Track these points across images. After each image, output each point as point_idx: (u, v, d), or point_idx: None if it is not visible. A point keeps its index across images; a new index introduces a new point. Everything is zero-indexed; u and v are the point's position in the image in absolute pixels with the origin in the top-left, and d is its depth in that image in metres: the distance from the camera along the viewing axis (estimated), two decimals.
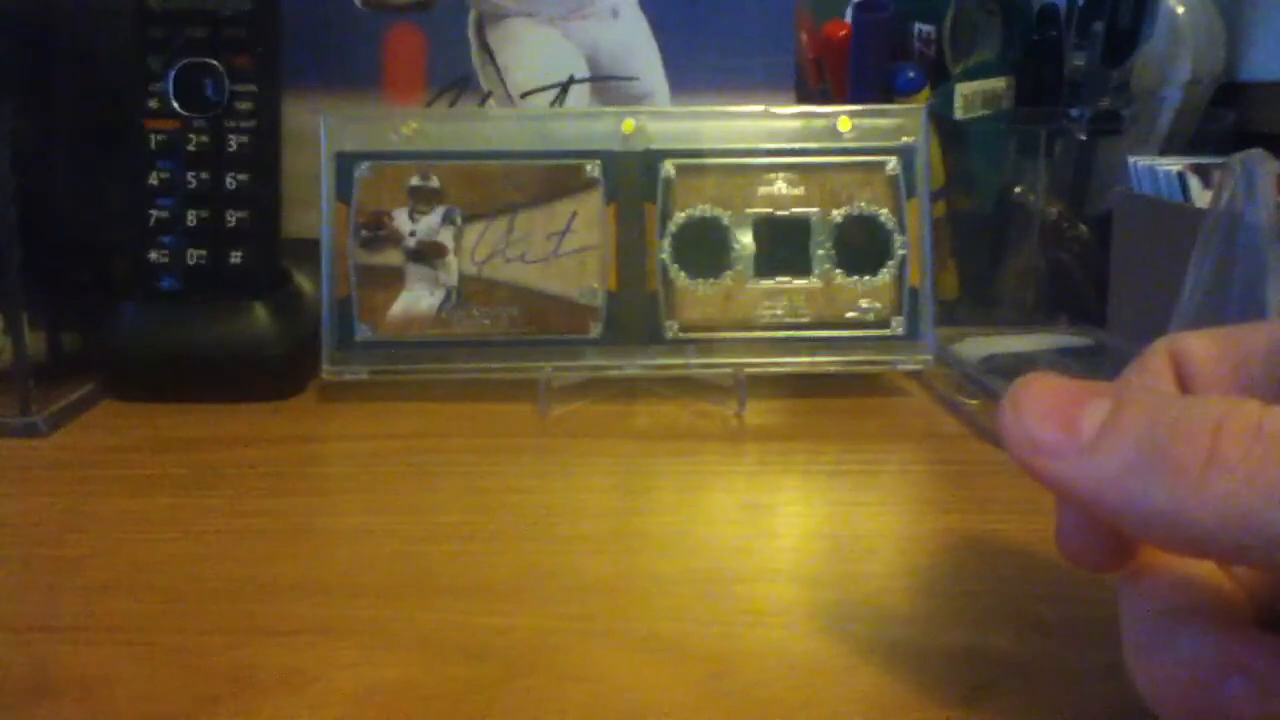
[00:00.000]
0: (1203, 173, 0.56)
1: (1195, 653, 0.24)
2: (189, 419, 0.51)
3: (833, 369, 0.54)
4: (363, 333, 0.54)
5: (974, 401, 0.52)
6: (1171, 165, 0.58)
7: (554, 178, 0.55)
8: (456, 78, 0.64)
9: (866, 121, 0.56)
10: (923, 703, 0.29)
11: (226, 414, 0.51)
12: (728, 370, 0.53)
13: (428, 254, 0.54)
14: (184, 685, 0.30)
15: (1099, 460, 0.23)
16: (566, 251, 0.55)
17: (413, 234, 0.54)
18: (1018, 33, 0.66)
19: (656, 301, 0.55)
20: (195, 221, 0.53)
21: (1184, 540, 0.22)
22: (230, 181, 0.53)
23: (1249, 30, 0.69)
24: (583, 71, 0.64)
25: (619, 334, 0.54)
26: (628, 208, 0.55)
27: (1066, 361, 0.56)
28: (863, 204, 0.55)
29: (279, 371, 0.54)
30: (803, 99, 0.67)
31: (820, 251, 0.55)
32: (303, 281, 0.57)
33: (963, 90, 0.65)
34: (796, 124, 0.56)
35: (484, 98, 0.64)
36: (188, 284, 0.53)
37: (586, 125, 0.56)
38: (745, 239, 0.55)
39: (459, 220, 0.54)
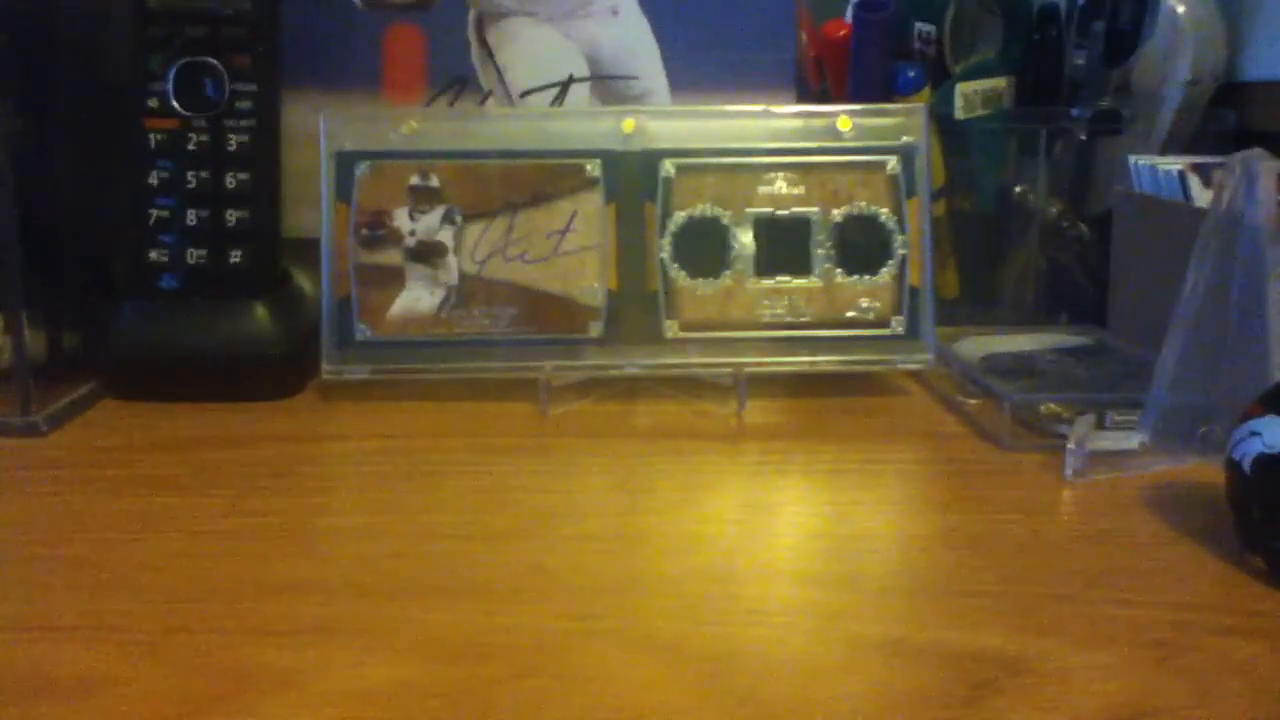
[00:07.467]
0: (1203, 172, 0.56)
1: None
2: (189, 419, 0.51)
3: (833, 369, 0.54)
4: (362, 332, 0.54)
5: (974, 401, 0.52)
6: (1171, 165, 0.58)
7: (554, 177, 0.55)
8: (456, 77, 0.64)
9: (866, 121, 0.56)
10: (923, 703, 0.29)
11: (226, 414, 0.51)
12: (728, 370, 0.53)
13: (428, 253, 0.54)
14: (184, 685, 0.30)
15: None
16: (566, 251, 0.55)
17: (413, 233, 0.54)
18: (1018, 33, 0.65)
19: (656, 301, 0.55)
20: (195, 221, 0.53)
21: None
22: (230, 181, 0.53)
23: (1249, 30, 0.69)
24: (583, 70, 0.64)
25: (619, 334, 0.54)
26: (628, 207, 0.55)
27: (1066, 361, 0.56)
28: (863, 203, 0.55)
29: (279, 371, 0.54)
30: (803, 98, 0.67)
31: (820, 251, 0.55)
32: (303, 281, 0.57)
33: (963, 90, 0.65)
34: (796, 123, 0.56)
35: (484, 97, 0.64)
36: (188, 284, 0.53)
37: (586, 125, 0.56)
38: (745, 238, 0.55)
39: (459, 220, 0.54)
